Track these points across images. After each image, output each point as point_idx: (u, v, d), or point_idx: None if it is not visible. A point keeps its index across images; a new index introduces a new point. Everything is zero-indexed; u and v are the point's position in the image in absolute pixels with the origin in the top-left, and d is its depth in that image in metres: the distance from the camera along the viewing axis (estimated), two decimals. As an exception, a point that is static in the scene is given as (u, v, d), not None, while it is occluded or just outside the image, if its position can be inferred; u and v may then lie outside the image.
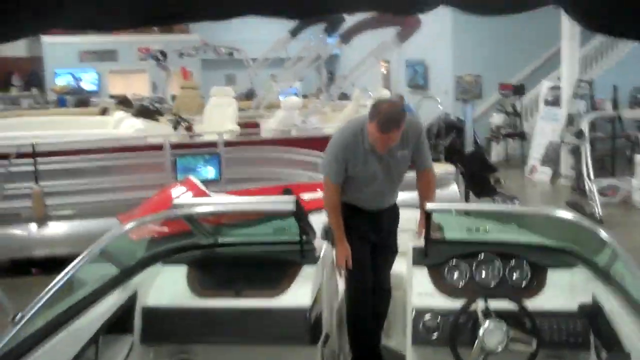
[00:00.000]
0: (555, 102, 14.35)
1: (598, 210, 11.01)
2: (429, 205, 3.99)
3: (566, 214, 3.75)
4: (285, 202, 3.78)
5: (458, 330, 3.57)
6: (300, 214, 3.83)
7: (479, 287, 3.85)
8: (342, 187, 4.59)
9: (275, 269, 3.96)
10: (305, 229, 4.08)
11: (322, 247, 4.30)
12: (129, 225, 3.78)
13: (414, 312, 3.79)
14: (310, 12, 3.18)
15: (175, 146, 9.17)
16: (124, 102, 11.72)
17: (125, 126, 9.72)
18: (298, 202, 3.70)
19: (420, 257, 4.11)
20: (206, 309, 3.82)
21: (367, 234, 4.69)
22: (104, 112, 12.17)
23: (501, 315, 3.50)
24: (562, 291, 3.78)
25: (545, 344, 3.54)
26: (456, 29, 16.87)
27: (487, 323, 3.42)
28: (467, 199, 11.16)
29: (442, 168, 10.88)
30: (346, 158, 4.49)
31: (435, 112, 12.31)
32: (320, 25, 12.66)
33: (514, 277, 3.90)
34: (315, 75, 17.11)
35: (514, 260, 3.93)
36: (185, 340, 3.85)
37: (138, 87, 20.85)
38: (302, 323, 3.74)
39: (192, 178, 8.14)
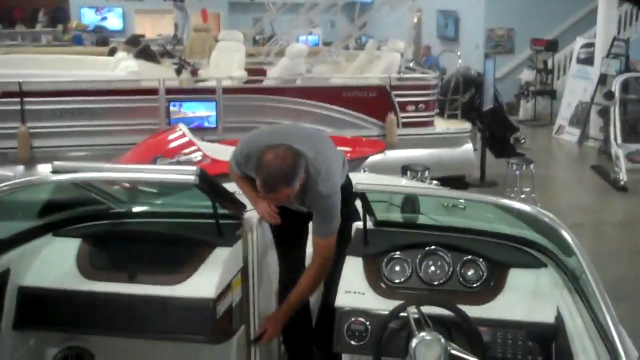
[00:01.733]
0: (588, 60, 13.60)
1: (622, 176, 10.41)
2: (359, 186, 3.17)
3: (518, 205, 2.91)
4: (185, 173, 2.95)
5: (387, 340, 2.91)
6: (208, 186, 3.11)
7: (420, 286, 3.17)
8: None
9: (181, 249, 3.29)
10: (223, 203, 3.40)
11: (251, 225, 3.61)
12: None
13: (338, 314, 3.09)
14: None
15: (172, 91, 8.74)
16: (131, 42, 11.20)
17: (121, 67, 9.28)
18: (202, 173, 2.95)
19: (358, 244, 3.41)
20: (93, 293, 3.17)
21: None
22: (112, 52, 11.70)
23: (442, 322, 2.87)
24: (523, 297, 3.04)
25: None
26: (491, -21, 16.08)
27: (420, 334, 2.75)
28: (483, 159, 10.64)
29: (456, 125, 10.36)
30: (244, 172, 3.71)
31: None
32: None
33: (467, 276, 3.17)
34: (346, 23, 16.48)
35: (469, 255, 3.21)
36: (69, 329, 3.25)
37: (164, 28, 20.44)
38: (204, 317, 3.08)
39: (182, 125, 7.77)
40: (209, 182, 3.04)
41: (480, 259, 3.19)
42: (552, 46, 15.35)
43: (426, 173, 8.70)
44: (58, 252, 3.35)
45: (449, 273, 3.18)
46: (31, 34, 18.67)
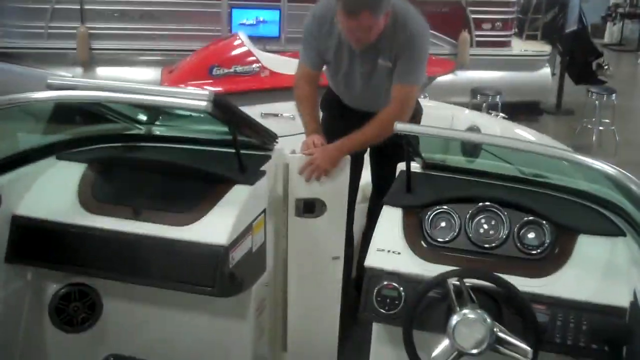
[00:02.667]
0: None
1: None
2: (398, 126, 2.60)
3: (596, 164, 2.24)
4: (197, 97, 2.44)
5: (422, 312, 2.46)
6: (224, 113, 2.61)
7: (468, 248, 2.66)
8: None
9: (196, 184, 2.88)
10: (247, 133, 2.95)
11: (283, 158, 3.20)
12: None
13: (368, 275, 2.63)
14: None
15: (234, -4, 8.40)
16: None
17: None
18: (217, 98, 2.43)
19: (398, 191, 2.89)
20: (92, 229, 2.80)
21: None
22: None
23: (490, 296, 2.40)
24: (592, 272, 2.49)
25: (550, 347, 2.39)
26: None
27: (462, 311, 2.30)
28: (561, 85, 10.05)
29: (535, 47, 9.76)
30: (316, 46, 3.42)
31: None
32: None
33: (526, 241, 2.62)
34: None
35: (531, 215, 2.65)
36: (66, 266, 2.90)
37: None
38: (213, 267, 2.65)
39: (241, 34, 7.42)
40: (226, 109, 2.60)
41: (545, 221, 2.65)
42: (647, -35, 14.35)
43: (498, 97, 8.23)
44: (59, 179, 2.96)
45: (505, 235, 2.66)
46: None
